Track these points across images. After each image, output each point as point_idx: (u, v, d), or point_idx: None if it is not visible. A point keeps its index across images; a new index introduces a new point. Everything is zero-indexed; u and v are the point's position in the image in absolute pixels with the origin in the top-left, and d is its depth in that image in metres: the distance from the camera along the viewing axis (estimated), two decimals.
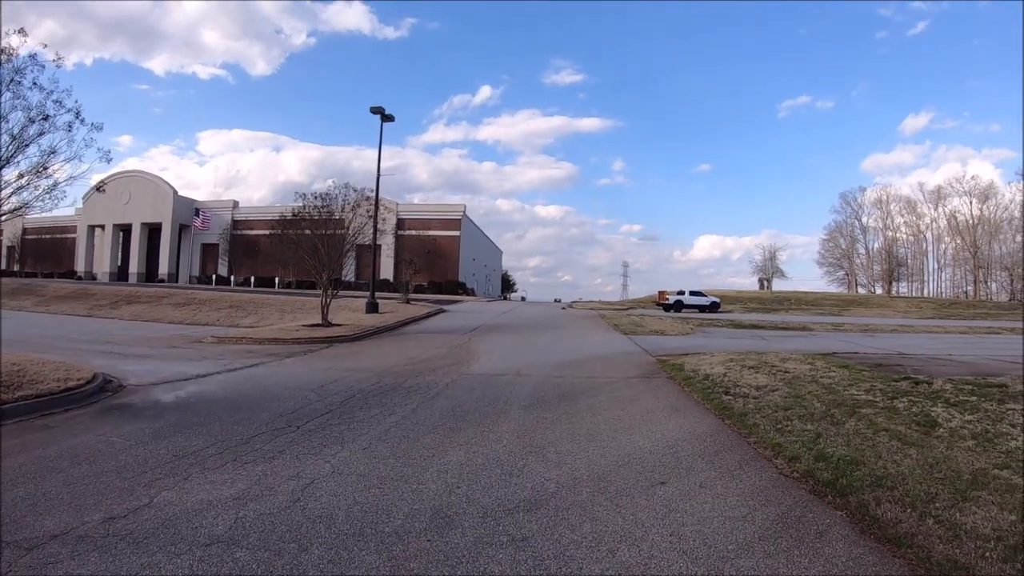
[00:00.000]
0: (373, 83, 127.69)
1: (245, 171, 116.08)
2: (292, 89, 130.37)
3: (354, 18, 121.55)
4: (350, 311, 23.22)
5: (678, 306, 37.02)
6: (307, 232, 18.25)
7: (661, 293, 40.23)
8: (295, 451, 5.05)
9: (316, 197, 18.43)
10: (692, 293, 39.10)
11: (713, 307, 37.64)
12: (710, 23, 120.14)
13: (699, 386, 7.97)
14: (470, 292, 53.92)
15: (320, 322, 17.95)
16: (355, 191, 19.62)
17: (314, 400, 7.34)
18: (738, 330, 20.18)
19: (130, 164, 74.22)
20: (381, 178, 22.84)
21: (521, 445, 5.29)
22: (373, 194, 21.90)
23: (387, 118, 22.97)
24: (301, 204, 18.50)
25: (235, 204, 62.40)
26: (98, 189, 11.20)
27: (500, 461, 4.78)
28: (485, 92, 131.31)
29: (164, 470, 4.43)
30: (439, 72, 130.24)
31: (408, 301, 29.69)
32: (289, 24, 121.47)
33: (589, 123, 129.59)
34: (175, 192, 60.14)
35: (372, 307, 22.76)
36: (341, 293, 27.74)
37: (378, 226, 23.10)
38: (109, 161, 8.65)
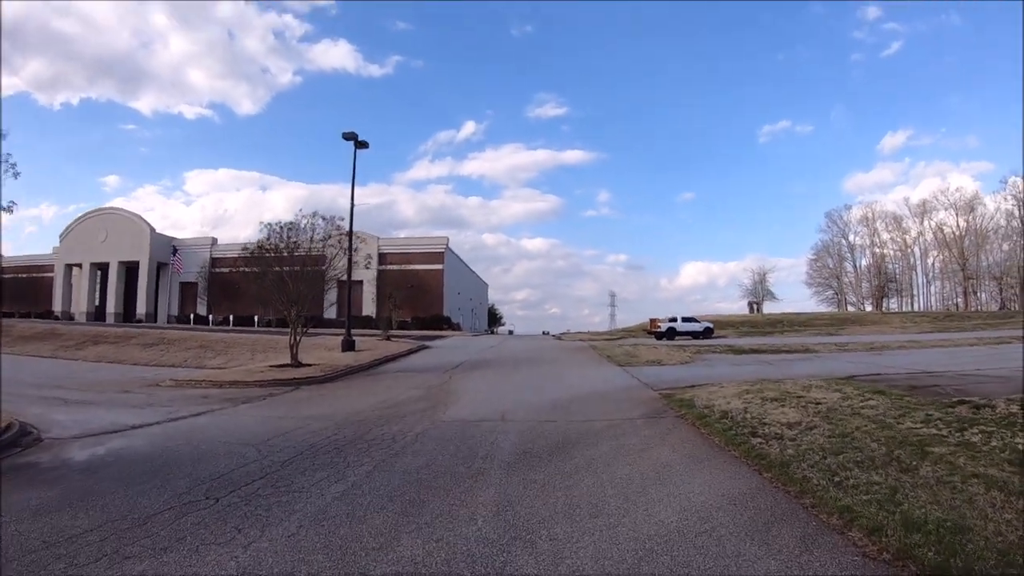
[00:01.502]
0: (359, 120, 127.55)
1: (232, 210, 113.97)
2: (278, 128, 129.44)
3: (339, 57, 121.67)
4: (325, 349, 21.80)
5: (671, 333, 35.64)
6: (275, 268, 16.86)
7: (653, 321, 38.86)
8: (198, 538, 3.86)
9: (281, 228, 17.04)
10: (684, 319, 37.87)
11: (707, 333, 36.44)
12: (689, 53, 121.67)
13: (718, 427, 6.63)
14: (455, 327, 52.40)
15: (289, 362, 16.53)
16: (324, 219, 18.12)
17: (252, 460, 6.07)
18: (739, 356, 18.96)
19: (117, 204, 72.20)
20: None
21: (501, 526, 3.93)
22: (345, 224, 20.49)
23: (361, 144, 21.95)
24: (266, 236, 17.07)
25: (213, 241, 60.65)
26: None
27: (471, 555, 3.42)
28: (469, 127, 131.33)
29: (19, 565, 3.47)
30: (423, 108, 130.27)
31: (389, 337, 28.34)
32: (275, 63, 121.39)
33: (573, 155, 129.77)
34: (152, 230, 58.40)
35: (348, 345, 21.35)
36: (319, 331, 26.29)
37: (355, 259, 21.76)
38: (15, 168, 7.44)
